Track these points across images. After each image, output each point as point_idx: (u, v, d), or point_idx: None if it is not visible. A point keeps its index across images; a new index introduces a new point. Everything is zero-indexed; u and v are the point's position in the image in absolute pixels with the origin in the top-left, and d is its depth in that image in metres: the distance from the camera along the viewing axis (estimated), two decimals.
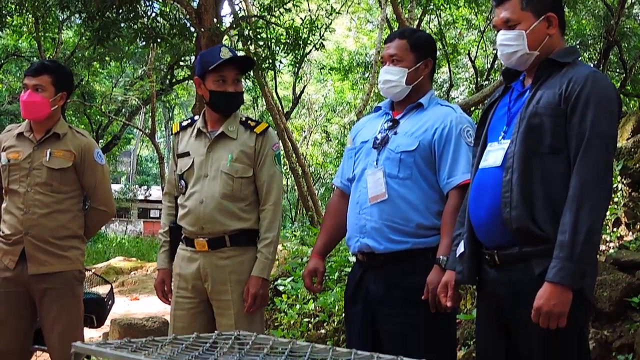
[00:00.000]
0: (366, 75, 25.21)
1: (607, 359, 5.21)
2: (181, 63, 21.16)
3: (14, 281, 4.37)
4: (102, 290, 5.63)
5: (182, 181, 4.35)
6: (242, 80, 4.41)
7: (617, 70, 20.99)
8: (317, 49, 16.41)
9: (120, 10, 11.36)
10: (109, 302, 5.32)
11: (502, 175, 3.15)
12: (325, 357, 2.48)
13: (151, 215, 48.47)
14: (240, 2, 18.05)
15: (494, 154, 3.25)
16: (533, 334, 3.04)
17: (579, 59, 3.31)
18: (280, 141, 4.30)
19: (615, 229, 6.74)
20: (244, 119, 4.36)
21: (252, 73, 14.42)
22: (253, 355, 2.53)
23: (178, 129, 4.50)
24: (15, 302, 4.39)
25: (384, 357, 2.50)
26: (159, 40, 12.08)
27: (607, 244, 6.67)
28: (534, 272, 3.05)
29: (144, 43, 12.84)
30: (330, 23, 17.39)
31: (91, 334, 8.12)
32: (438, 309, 3.57)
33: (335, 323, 7.35)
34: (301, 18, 15.30)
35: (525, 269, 3.09)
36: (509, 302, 3.16)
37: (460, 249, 3.38)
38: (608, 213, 6.60)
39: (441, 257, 3.61)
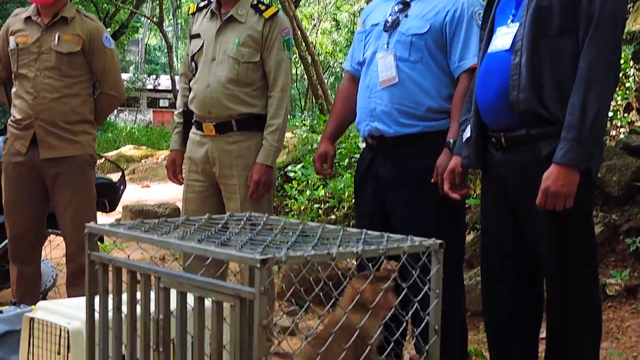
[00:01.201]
0: None
1: (614, 242, 5.27)
2: None
3: (26, 166, 4.40)
4: (114, 177, 5.67)
5: (193, 63, 4.33)
6: None
7: None
8: None
9: None
10: (121, 187, 5.37)
11: (511, 59, 3.11)
12: (336, 237, 2.51)
13: (160, 105, 48.41)
14: None
15: (503, 38, 3.21)
16: (539, 216, 3.06)
17: None
18: (290, 26, 4.21)
19: (626, 114, 6.71)
20: (255, 2, 4.29)
21: None
22: (265, 235, 2.56)
23: (194, 10, 4.46)
24: (28, 186, 4.43)
25: (394, 236, 2.53)
26: None
27: (618, 129, 6.66)
28: (541, 154, 3.05)
29: None
30: None
31: (103, 220, 8.20)
32: (447, 192, 3.59)
33: (345, 209, 7.42)
34: None
35: (532, 151, 3.09)
36: (515, 184, 3.17)
37: (467, 133, 3.37)
38: (619, 98, 6.58)
39: (451, 140, 3.60)
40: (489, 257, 3.40)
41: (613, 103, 6.33)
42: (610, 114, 6.29)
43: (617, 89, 6.32)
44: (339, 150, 7.91)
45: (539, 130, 3.06)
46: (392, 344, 2.73)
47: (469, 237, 5.73)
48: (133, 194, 11.72)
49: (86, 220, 2.77)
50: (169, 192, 11.93)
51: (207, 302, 2.29)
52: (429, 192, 3.66)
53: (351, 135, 8.80)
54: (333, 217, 7.38)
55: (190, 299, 2.32)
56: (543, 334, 3.39)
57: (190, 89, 4.37)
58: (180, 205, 5.06)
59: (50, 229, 4.77)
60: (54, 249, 5.38)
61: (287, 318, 5.09)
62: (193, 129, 4.36)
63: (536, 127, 3.07)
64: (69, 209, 4.39)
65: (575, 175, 2.94)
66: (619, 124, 6.67)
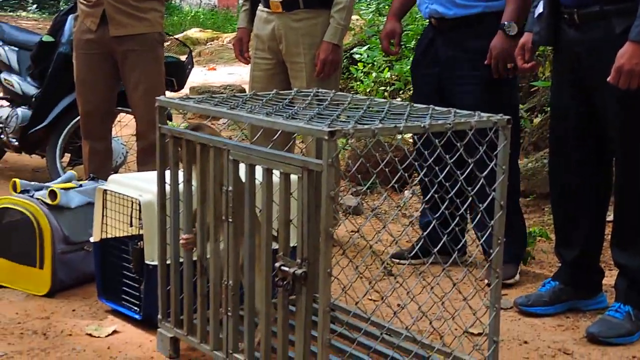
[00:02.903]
0: None
1: None
2: None
3: (96, 43, 4.43)
4: (182, 57, 5.69)
5: None
6: None
7: None
8: None
9: None
10: (189, 66, 5.39)
11: None
12: (403, 113, 2.52)
13: None
14: None
15: None
16: (611, 93, 3.03)
17: None
18: None
19: None
20: None
21: None
22: (332, 110, 2.58)
23: None
24: (98, 63, 4.46)
25: (461, 112, 2.53)
26: None
27: None
28: (615, 31, 3.00)
29: None
30: None
31: None
32: (500, 75, 3.60)
33: (411, 91, 7.38)
34: None
35: (606, 28, 3.04)
36: (587, 61, 3.13)
37: (539, 9, 3.32)
38: None
39: (506, 22, 3.58)
40: (559, 135, 3.38)
41: None
42: None
43: None
44: (406, 32, 7.81)
45: (613, 7, 3.01)
46: (457, 218, 2.77)
47: (536, 120, 5.68)
48: (199, 76, 11.75)
49: (156, 97, 2.80)
50: (235, 75, 11.94)
51: (275, 178, 2.34)
52: (484, 73, 3.66)
53: (418, 17, 8.67)
54: (399, 99, 7.35)
55: (259, 173, 2.37)
56: (610, 217, 3.38)
57: None
58: (246, 87, 5.06)
59: (119, 107, 4.84)
60: (123, 128, 5.47)
61: (353, 197, 5.14)
62: (260, 6, 4.33)
63: (610, 3, 3.01)
64: (139, 86, 4.43)
65: None
66: None
